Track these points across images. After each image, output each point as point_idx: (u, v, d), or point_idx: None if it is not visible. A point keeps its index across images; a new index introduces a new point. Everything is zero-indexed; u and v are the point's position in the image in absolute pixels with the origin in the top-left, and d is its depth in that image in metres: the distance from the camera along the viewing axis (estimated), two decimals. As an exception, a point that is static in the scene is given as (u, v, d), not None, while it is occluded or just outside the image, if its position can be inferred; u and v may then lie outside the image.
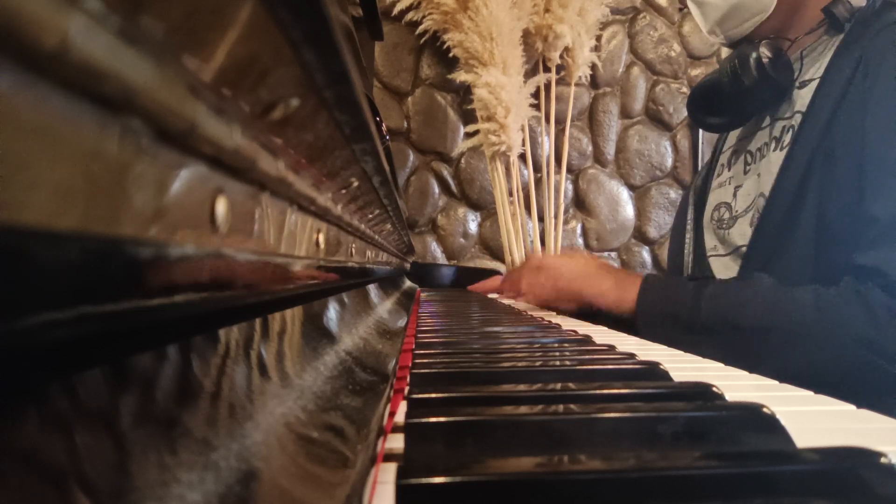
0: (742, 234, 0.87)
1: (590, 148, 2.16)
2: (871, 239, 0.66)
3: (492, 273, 1.68)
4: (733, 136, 0.98)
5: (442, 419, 0.26)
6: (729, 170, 0.95)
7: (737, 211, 0.89)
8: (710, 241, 0.95)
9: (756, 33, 0.87)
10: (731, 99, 0.87)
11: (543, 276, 0.94)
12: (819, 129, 0.74)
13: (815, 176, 0.74)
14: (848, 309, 0.65)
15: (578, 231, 2.16)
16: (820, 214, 0.73)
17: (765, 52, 0.83)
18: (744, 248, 0.86)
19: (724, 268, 0.91)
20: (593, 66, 2.05)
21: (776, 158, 0.82)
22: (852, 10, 0.79)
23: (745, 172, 0.90)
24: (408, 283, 1.52)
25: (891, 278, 0.64)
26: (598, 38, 2.09)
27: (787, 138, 0.82)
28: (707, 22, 0.92)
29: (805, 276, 0.73)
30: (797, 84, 0.84)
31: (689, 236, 1.00)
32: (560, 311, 0.96)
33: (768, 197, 0.80)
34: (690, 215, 1.01)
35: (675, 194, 2.20)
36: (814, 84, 0.80)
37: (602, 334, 0.68)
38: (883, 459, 0.21)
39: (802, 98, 0.81)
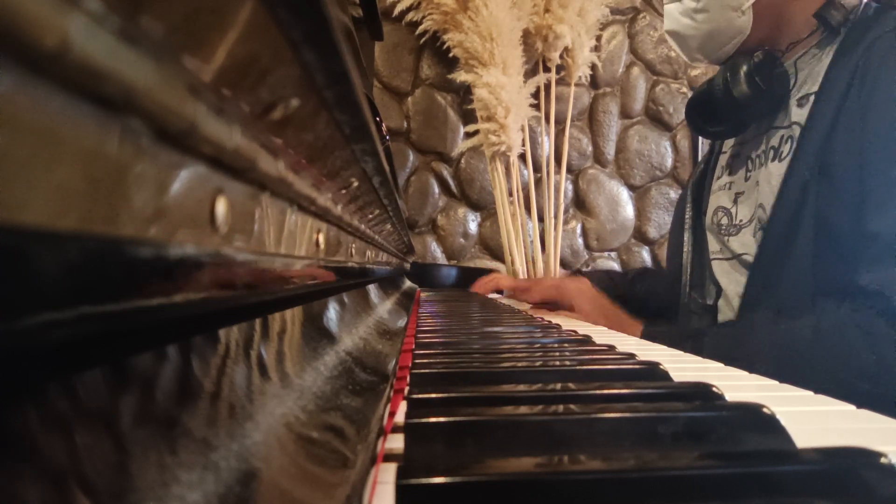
0: (743, 243, 0.86)
1: (590, 148, 2.16)
2: (871, 257, 0.65)
3: (492, 272, 1.69)
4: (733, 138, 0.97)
5: (442, 419, 0.26)
6: (730, 174, 0.94)
7: (740, 220, 0.88)
8: (713, 244, 0.94)
9: (742, 50, 0.86)
10: (726, 110, 0.86)
11: (561, 296, 0.96)
12: (818, 142, 0.73)
13: (814, 191, 0.73)
14: (846, 341, 0.64)
15: (578, 231, 2.16)
16: (819, 228, 0.72)
17: (757, 63, 0.81)
18: (744, 256, 0.85)
19: (724, 272, 0.90)
20: (593, 66, 2.05)
21: (775, 170, 0.81)
22: (846, 13, 0.77)
23: (746, 179, 0.89)
24: (408, 284, 1.52)
25: (891, 301, 0.63)
26: (598, 39, 2.09)
27: (786, 149, 0.81)
28: (687, 51, 0.91)
29: (806, 289, 0.73)
30: (794, 94, 0.83)
31: (687, 236, 1.00)
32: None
33: (770, 211, 0.79)
34: (689, 214, 1.00)
35: (674, 194, 2.20)
36: (811, 94, 0.78)
37: (602, 334, 0.68)
38: (883, 459, 0.22)
39: (800, 108, 0.80)
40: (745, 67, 0.82)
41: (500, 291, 1.50)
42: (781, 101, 0.83)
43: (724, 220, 0.91)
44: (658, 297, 1.08)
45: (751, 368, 0.70)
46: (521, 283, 1.12)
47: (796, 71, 0.83)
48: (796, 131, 0.79)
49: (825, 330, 0.66)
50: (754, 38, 0.85)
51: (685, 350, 0.75)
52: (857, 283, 0.66)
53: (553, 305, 1.03)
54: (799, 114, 0.80)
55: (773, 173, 0.81)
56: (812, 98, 0.78)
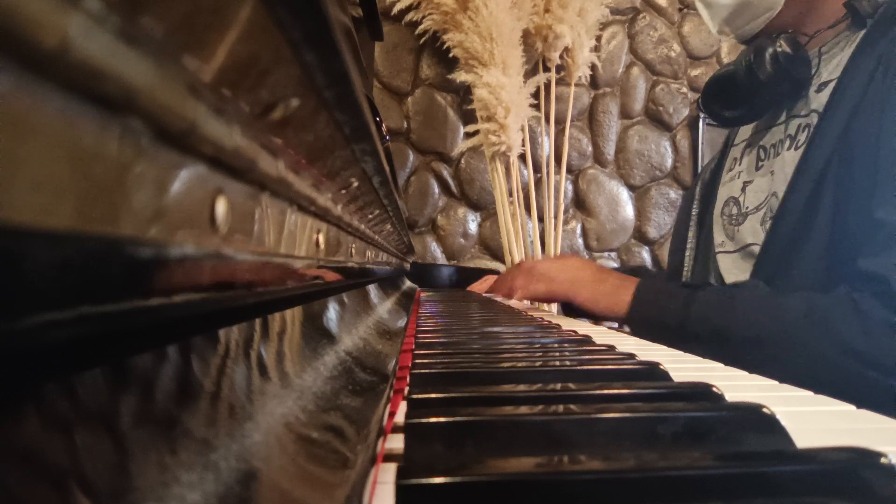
0: (752, 231, 0.86)
1: (590, 148, 2.16)
2: (876, 244, 0.66)
3: (490, 273, 1.69)
4: (746, 129, 0.96)
5: (442, 419, 0.26)
6: (740, 165, 0.94)
7: (747, 208, 0.88)
8: (718, 236, 0.93)
9: (768, 29, 0.86)
10: (745, 93, 0.86)
11: (536, 278, 0.94)
12: (837, 131, 0.73)
13: (831, 179, 0.72)
14: (840, 319, 0.64)
15: (578, 231, 2.16)
16: (835, 219, 0.72)
17: (782, 46, 0.81)
18: (753, 247, 0.85)
19: (731, 265, 0.90)
20: (593, 67, 2.05)
21: (790, 158, 0.81)
22: (876, 4, 0.76)
23: (758, 168, 0.89)
24: (408, 284, 1.52)
25: (891, 285, 0.63)
26: (598, 39, 2.09)
27: (803, 137, 0.80)
28: (715, 21, 0.91)
29: (818, 281, 0.72)
30: (814, 81, 0.82)
31: (691, 232, 0.99)
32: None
33: (782, 199, 0.79)
34: (695, 210, 1.00)
35: (674, 194, 2.20)
36: (832, 83, 0.78)
37: (602, 334, 0.68)
38: (883, 460, 0.21)
39: (819, 97, 0.80)
40: (770, 49, 0.82)
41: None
42: (802, 87, 0.82)
43: (734, 210, 0.91)
44: None
45: (739, 333, 0.70)
46: (500, 281, 1.08)
47: (819, 58, 0.82)
48: (814, 119, 0.79)
49: (819, 305, 0.66)
50: (784, 17, 0.84)
51: (676, 305, 0.75)
52: (858, 268, 0.66)
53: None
54: (818, 100, 0.79)
55: (787, 161, 0.81)
56: (832, 85, 0.77)
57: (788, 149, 0.82)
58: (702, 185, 1.01)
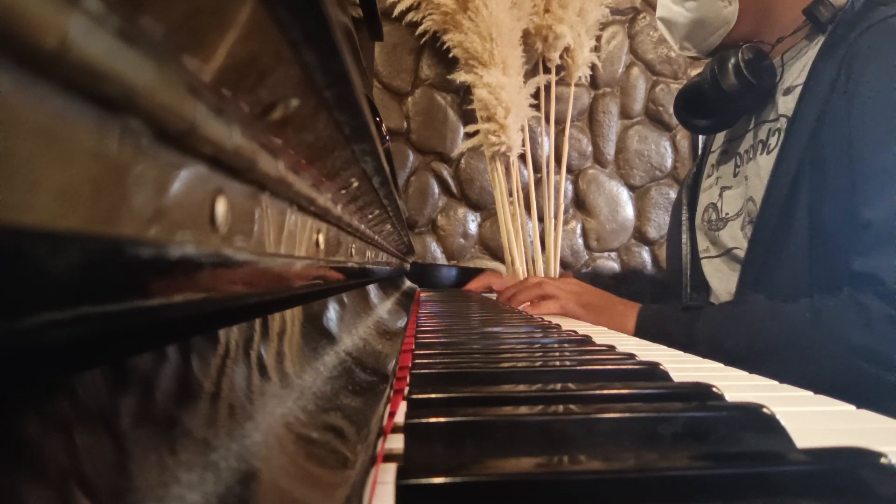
0: (732, 236, 0.87)
1: (590, 148, 2.16)
2: (865, 245, 0.66)
3: (488, 271, 1.69)
4: (721, 136, 0.98)
5: (442, 419, 0.26)
6: (717, 170, 0.95)
7: (726, 214, 0.89)
8: (702, 242, 0.95)
9: (728, 41, 0.87)
10: (713, 103, 0.87)
11: (547, 295, 0.94)
12: (806, 134, 0.74)
13: (805, 181, 0.74)
14: (845, 320, 0.65)
15: (578, 231, 2.16)
16: (812, 220, 0.73)
17: (745, 56, 0.83)
18: (735, 250, 0.86)
19: (715, 270, 0.91)
20: (593, 67, 2.05)
21: (764, 163, 0.82)
22: (834, 10, 0.78)
23: (735, 175, 0.90)
24: (408, 284, 1.52)
25: (888, 285, 0.63)
26: (598, 39, 2.09)
27: (773, 141, 0.82)
28: (675, 39, 0.93)
29: (801, 282, 0.73)
30: (780, 87, 0.83)
31: (685, 237, 1.00)
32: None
33: (760, 204, 0.80)
34: (685, 215, 1.01)
35: (674, 194, 2.20)
36: (797, 88, 0.79)
37: (602, 334, 0.68)
38: (883, 460, 0.21)
39: (787, 101, 0.81)
40: (732, 60, 0.83)
41: (492, 290, 1.50)
42: (768, 94, 0.84)
43: (713, 216, 0.92)
44: None
45: (747, 346, 0.70)
46: (507, 290, 1.09)
47: (783, 65, 0.84)
48: (783, 123, 0.80)
49: (823, 309, 0.67)
50: (740, 30, 0.86)
51: (680, 327, 0.76)
52: (852, 270, 0.67)
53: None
54: (785, 105, 0.81)
55: (761, 166, 0.82)
56: (798, 89, 0.78)
57: (761, 153, 0.84)
58: (686, 190, 1.03)
